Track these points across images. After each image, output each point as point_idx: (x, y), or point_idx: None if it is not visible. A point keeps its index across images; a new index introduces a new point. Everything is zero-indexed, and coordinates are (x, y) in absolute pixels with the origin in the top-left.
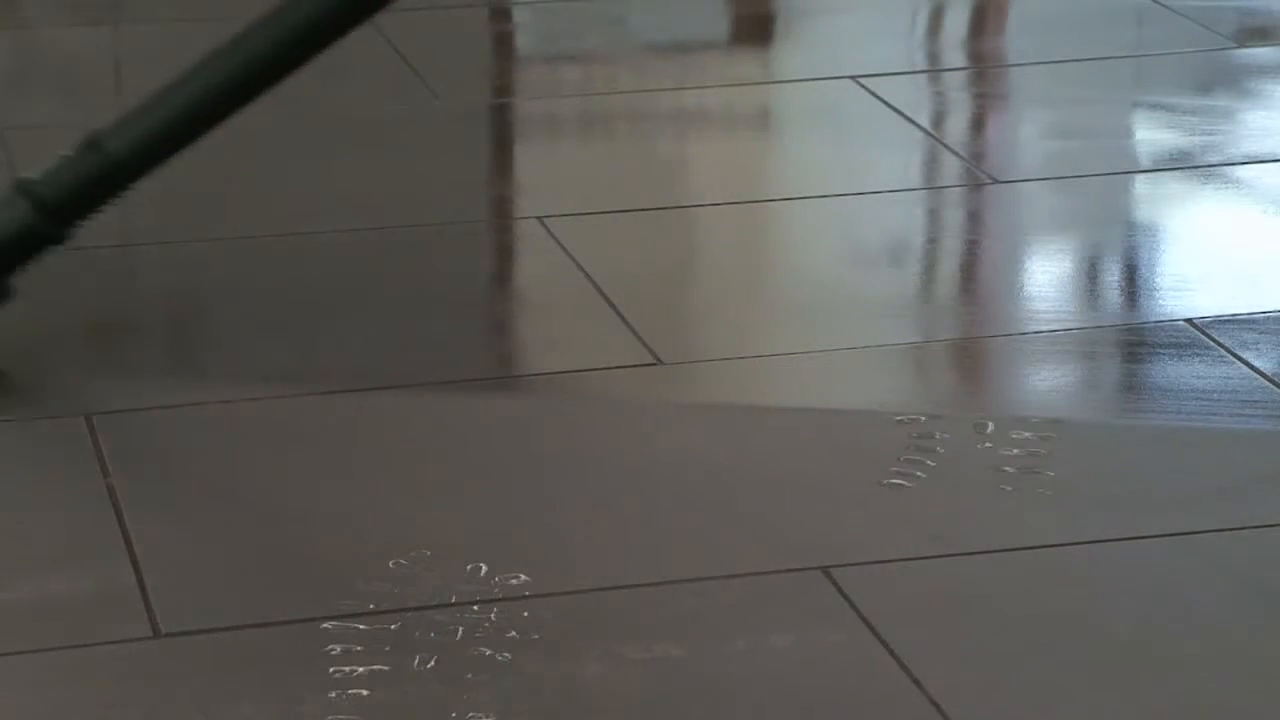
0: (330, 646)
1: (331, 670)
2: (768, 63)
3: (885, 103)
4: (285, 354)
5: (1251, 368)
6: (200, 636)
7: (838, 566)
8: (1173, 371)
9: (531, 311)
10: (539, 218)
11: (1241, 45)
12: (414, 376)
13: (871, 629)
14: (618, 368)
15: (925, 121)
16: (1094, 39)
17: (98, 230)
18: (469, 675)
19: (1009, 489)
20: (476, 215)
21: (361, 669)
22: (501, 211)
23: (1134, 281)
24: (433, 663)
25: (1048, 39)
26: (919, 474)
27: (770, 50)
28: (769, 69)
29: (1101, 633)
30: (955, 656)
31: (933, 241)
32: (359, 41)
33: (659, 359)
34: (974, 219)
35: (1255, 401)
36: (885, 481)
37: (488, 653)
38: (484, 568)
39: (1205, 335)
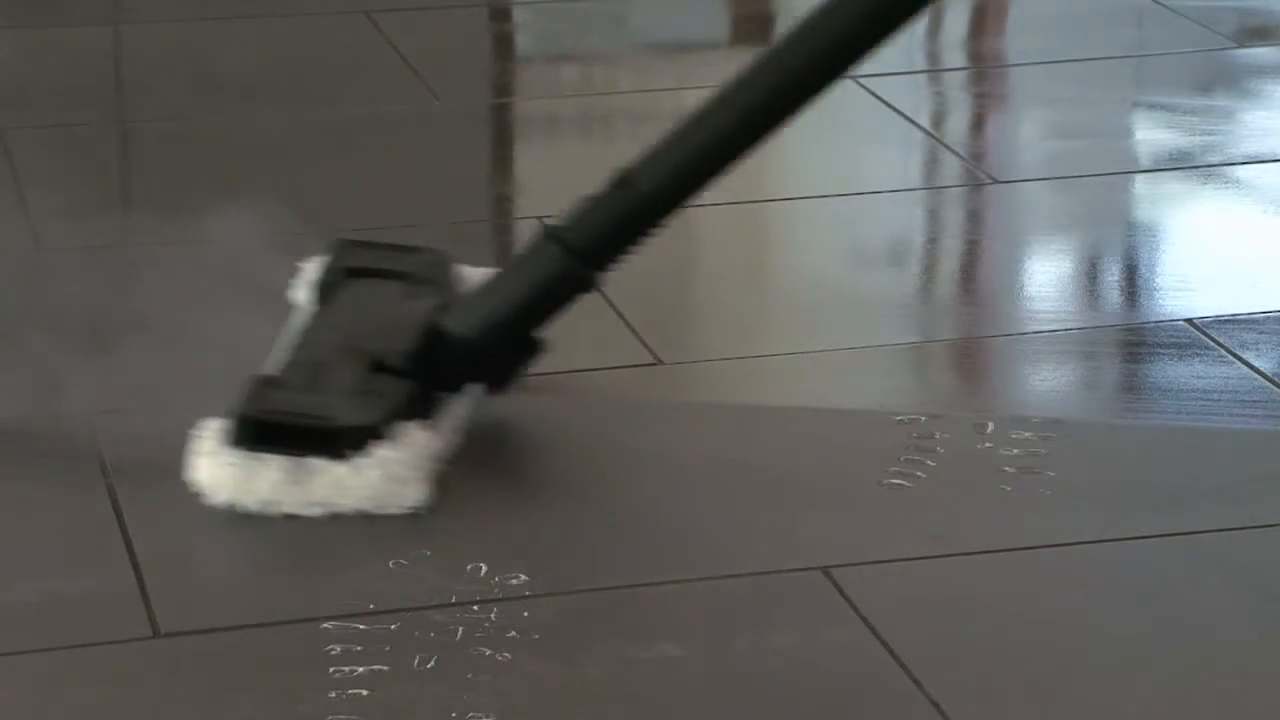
0: (330, 646)
1: (331, 670)
2: None
3: (885, 103)
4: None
5: (1251, 368)
6: (200, 636)
7: (838, 566)
8: (1173, 371)
9: None
10: (539, 218)
11: (1241, 45)
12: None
13: (871, 629)
14: (618, 368)
15: (925, 121)
16: (1094, 39)
17: (98, 230)
18: (469, 675)
19: (1009, 489)
20: (476, 215)
21: (361, 669)
22: (501, 211)
23: (1134, 281)
24: (433, 663)
25: (1048, 39)
26: (919, 474)
27: None
28: None
29: (1101, 633)
30: (955, 656)
31: (933, 241)
32: (359, 41)
33: (659, 359)
34: (974, 219)
35: (1255, 401)
36: (885, 481)
37: (488, 653)
38: (484, 568)
39: (1205, 335)
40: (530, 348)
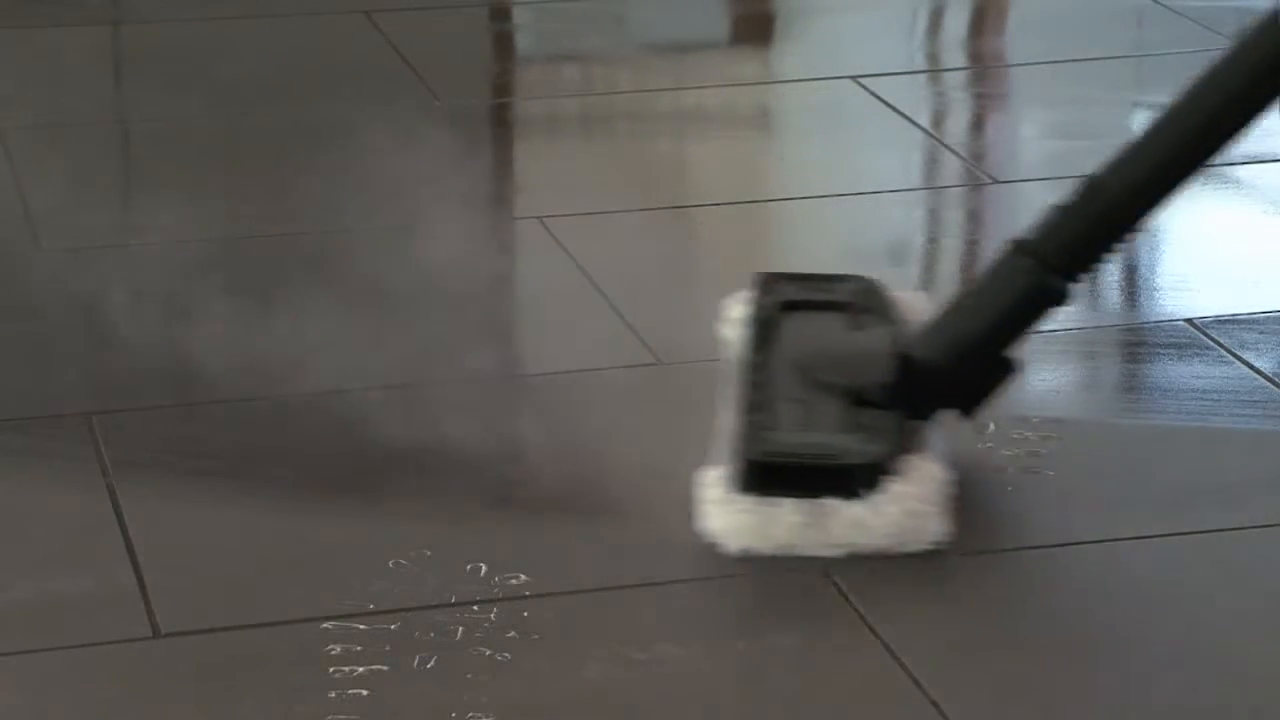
0: (330, 646)
1: (331, 670)
2: (768, 63)
3: (885, 103)
4: (285, 353)
5: (1251, 368)
6: (200, 636)
7: (837, 565)
8: (1173, 371)
9: (531, 311)
10: (539, 218)
11: None
12: (414, 376)
13: (871, 629)
14: (618, 368)
15: (925, 121)
16: (1094, 39)
17: (98, 230)
18: (469, 675)
19: (1009, 489)
20: (476, 215)
21: (361, 669)
22: (501, 211)
23: (1134, 281)
24: (433, 663)
25: (1048, 39)
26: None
27: (770, 50)
28: (769, 69)
29: (1101, 632)
30: (955, 657)
31: (933, 241)
32: (359, 41)
33: (659, 359)
34: (974, 219)
35: (1255, 401)
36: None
37: (488, 653)
38: (484, 568)
39: (1205, 335)
40: (1005, 368)
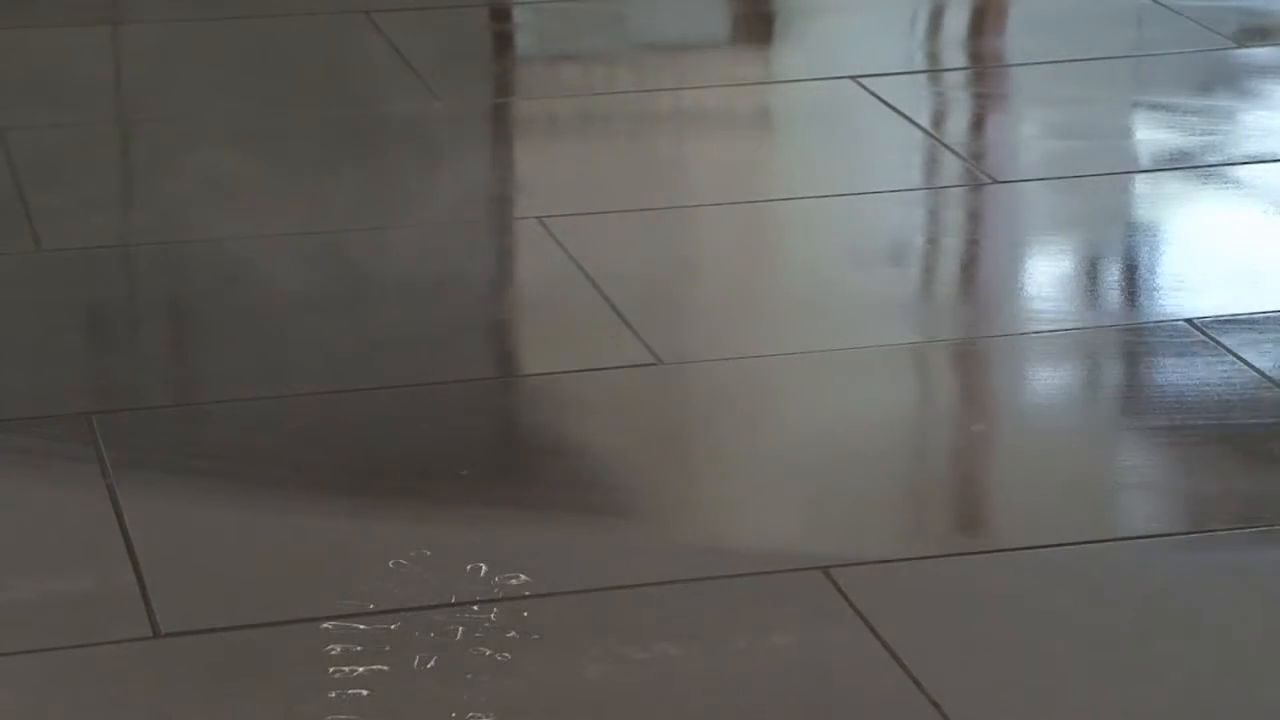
0: (330, 646)
1: (331, 670)
2: (768, 63)
3: (885, 103)
4: (284, 354)
5: (1252, 368)
6: (200, 636)
7: (838, 566)
8: (1173, 371)
9: (531, 311)
10: (539, 218)
11: (1241, 45)
12: (414, 376)
13: (871, 629)
14: (618, 368)
15: (925, 121)
16: (1094, 39)
17: (98, 230)
18: (469, 675)
19: (1009, 489)
20: (476, 215)
21: (361, 669)
22: (501, 211)
23: (1134, 281)
24: (433, 663)
25: (1048, 39)
26: (919, 474)
27: (770, 50)
28: (769, 69)
29: (1101, 633)
30: (955, 656)
31: (933, 241)
32: (359, 41)
33: (659, 359)
34: (974, 219)
35: (1255, 401)
36: (885, 481)
37: (488, 653)
38: (484, 568)
39: (1205, 335)
40: None
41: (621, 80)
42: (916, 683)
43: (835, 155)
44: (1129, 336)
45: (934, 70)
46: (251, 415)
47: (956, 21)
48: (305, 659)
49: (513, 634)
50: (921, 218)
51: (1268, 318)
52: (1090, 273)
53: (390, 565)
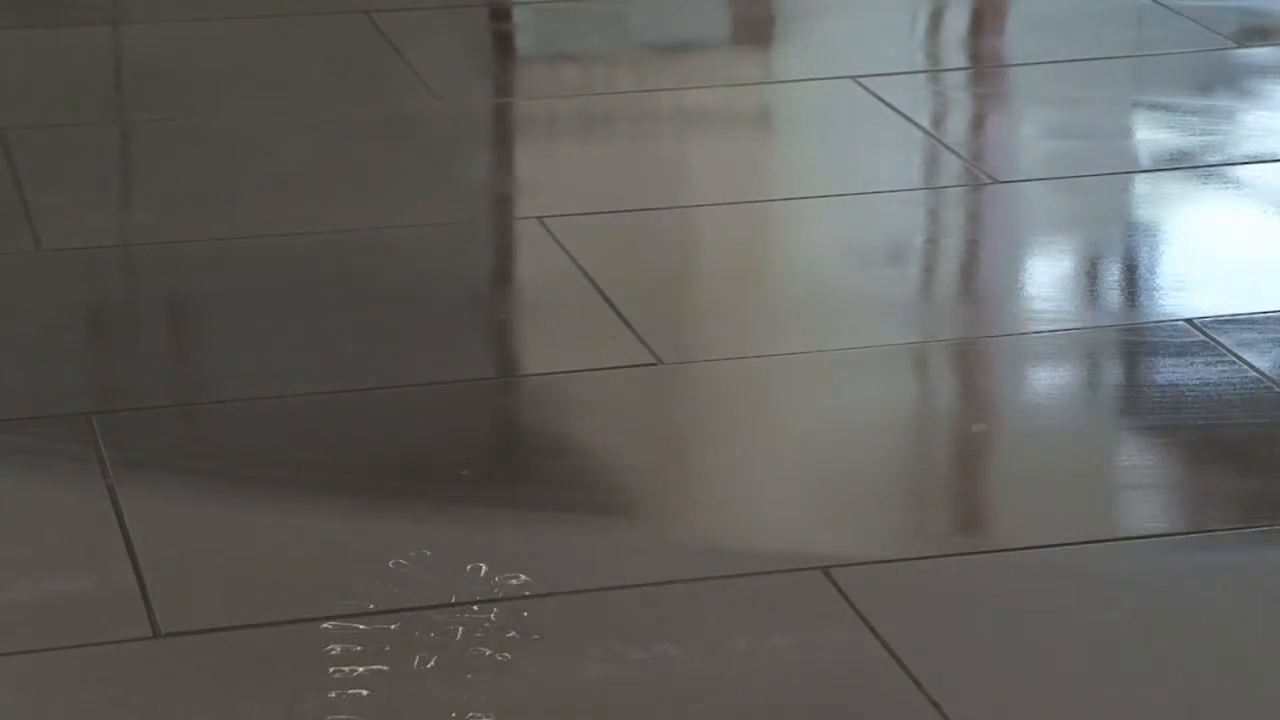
0: (330, 646)
1: (331, 670)
2: (768, 63)
3: (885, 103)
4: (285, 353)
5: (1252, 368)
6: (200, 636)
7: (838, 566)
8: (1173, 371)
9: (531, 311)
10: (539, 218)
11: (1241, 45)
12: (414, 376)
13: (871, 629)
14: (618, 368)
15: (925, 121)
16: (1094, 39)
17: (98, 230)
18: (469, 675)
19: (1009, 489)
20: (476, 215)
21: (361, 669)
22: (501, 211)
23: (1134, 281)
24: (433, 663)
25: (1048, 39)
26: (919, 474)
27: (770, 50)
28: (769, 69)
29: (1101, 633)
30: (955, 656)
31: (933, 241)
32: (359, 42)
33: (659, 359)
34: (974, 219)
35: (1255, 401)
36: (885, 481)
37: (488, 653)
38: (484, 568)
39: (1205, 335)
40: None
41: (621, 80)
42: (916, 683)
43: (835, 155)
44: (1129, 336)
45: (934, 70)
46: (251, 415)
47: (956, 21)
48: (305, 659)
49: (513, 634)
50: (921, 218)
51: (1268, 318)
52: (1090, 273)
53: (390, 565)
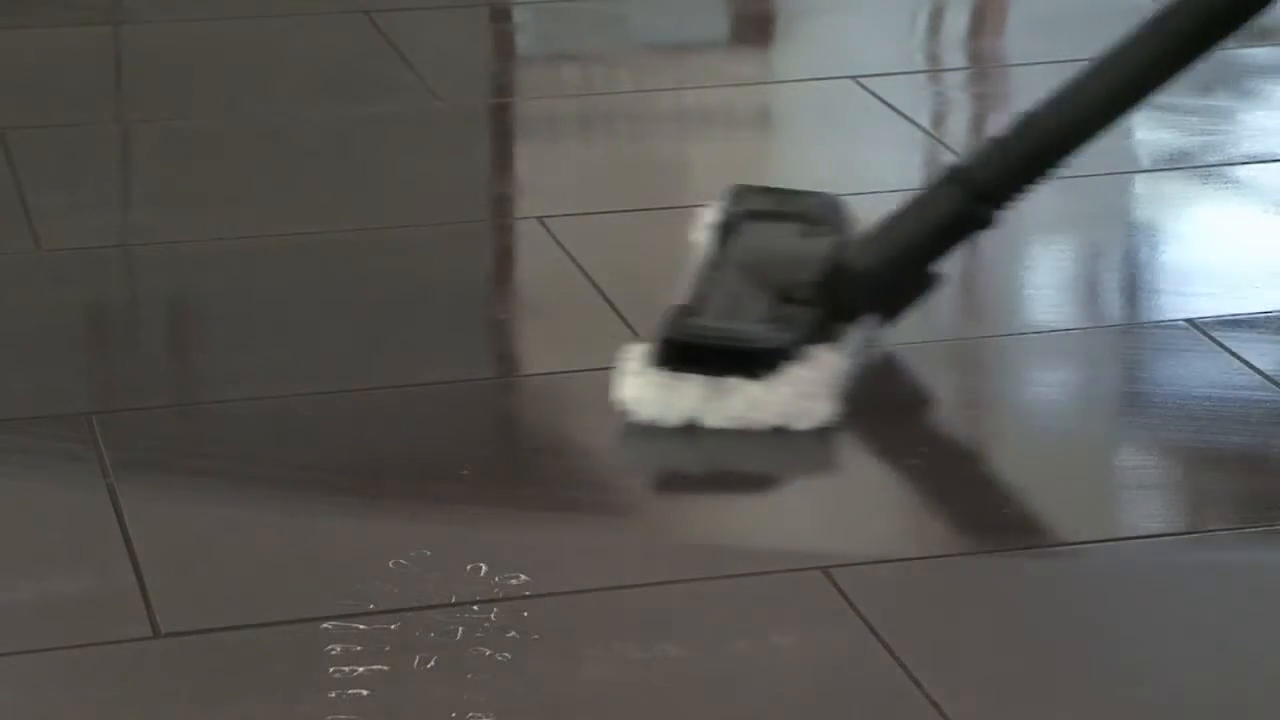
0: (330, 646)
1: (331, 670)
2: (768, 63)
3: (885, 103)
4: (284, 353)
5: (1251, 368)
6: (200, 636)
7: (838, 566)
8: (1173, 371)
9: (531, 311)
10: (539, 218)
11: (1241, 45)
12: (413, 376)
13: (871, 629)
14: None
15: (925, 121)
16: (1094, 39)
17: (98, 230)
18: (469, 675)
19: (1010, 489)
20: (476, 215)
21: (361, 669)
22: (501, 211)
23: (1134, 281)
24: (433, 663)
25: (1048, 39)
26: (919, 474)
27: (770, 50)
28: (769, 69)
29: (1101, 633)
30: (955, 656)
31: None
32: (359, 41)
33: None
34: None
35: (1256, 401)
36: (886, 481)
37: (488, 653)
38: (484, 568)
39: (1205, 335)
40: (926, 282)
41: (621, 80)
42: (916, 683)
43: (835, 155)
44: (1129, 336)
45: (934, 70)
46: (251, 415)
47: (956, 21)
48: (305, 659)
49: (513, 634)
50: None
51: (1268, 318)
52: (1090, 273)
53: (390, 565)
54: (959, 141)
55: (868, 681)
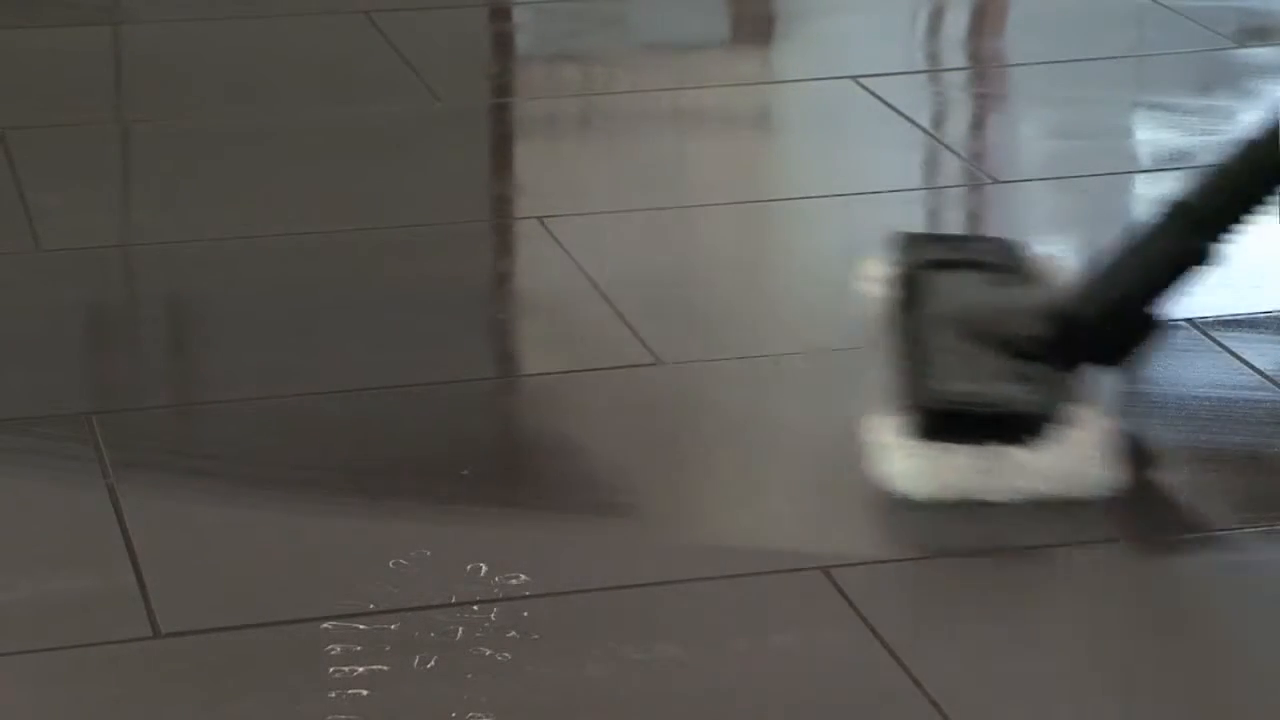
0: (330, 646)
1: (331, 670)
2: (768, 63)
3: (885, 103)
4: (285, 354)
5: (1251, 367)
6: (200, 636)
7: (838, 566)
8: (1173, 372)
9: (531, 311)
10: (539, 218)
11: (1241, 45)
12: (413, 377)
13: (871, 629)
14: (618, 368)
15: (925, 121)
16: (1094, 39)
17: (98, 230)
18: (469, 675)
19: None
20: (476, 215)
21: (361, 669)
22: (501, 211)
23: None
24: (433, 663)
25: (1048, 39)
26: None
27: (770, 50)
28: (769, 69)
29: (1102, 632)
30: (955, 656)
31: None
32: (359, 41)
33: (659, 359)
34: (974, 219)
35: (1256, 401)
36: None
37: (488, 653)
38: (484, 568)
39: (1205, 335)
40: (1152, 325)
41: (621, 80)
42: (916, 683)
43: (835, 155)
44: None
45: (934, 70)
46: (251, 415)
47: (956, 21)
48: (305, 659)
49: (513, 634)
50: (921, 218)
51: (1268, 318)
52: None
53: (390, 565)
54: (959, 141)
55: (868, 681)
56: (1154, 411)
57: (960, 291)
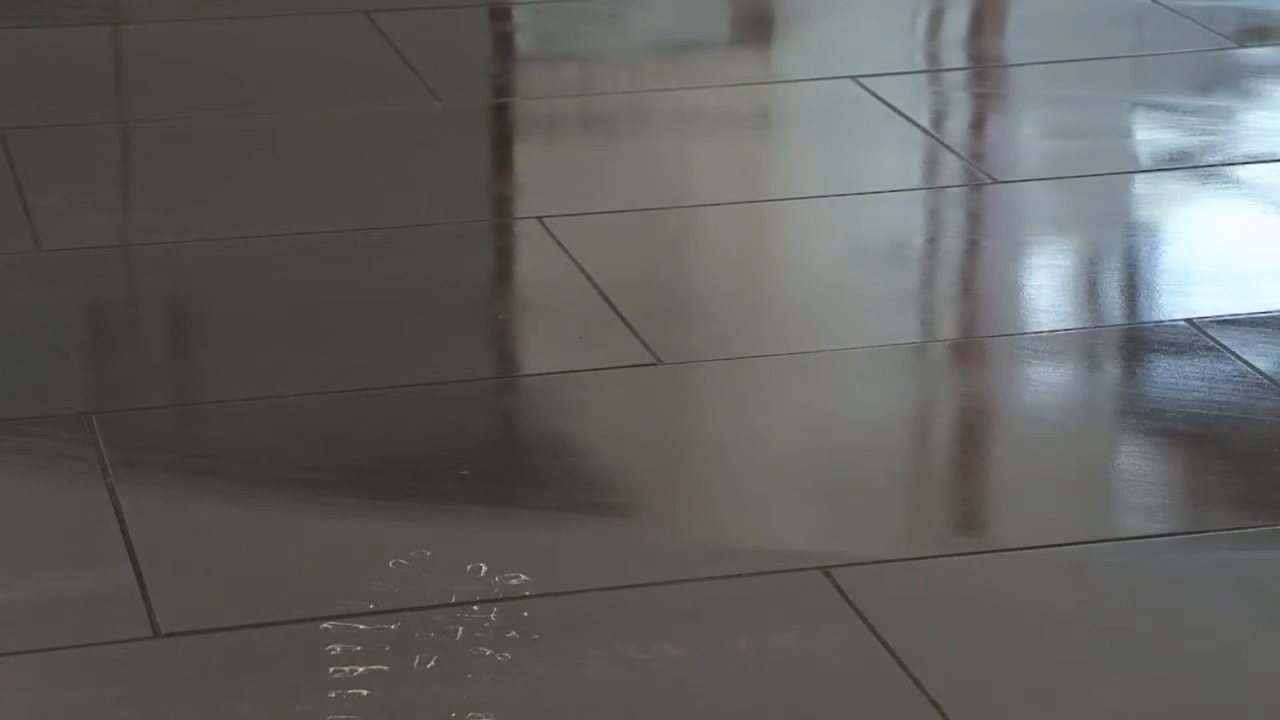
0: (330, 646)
1: (331, 670)
2: (768, 63)
3: (885, 103)
4: (284, 354)
5: (1251, 367)
6: (200, 636)
7: (838, 566)
8: (1173, 371)
9: (531, 311)
10: (539, 218)
11: (1241, 45)
12: (413, 376)
13: (871, 629)
14: (618, 368)
15: (925, 121)
16: (1094, 39)
17: (98, 230)
18: (469, 675)
19: (1009, 489)
20: (476, 215)
21: (361, 669)
22: (501, 211)
23: (1134, 281)
24: (433, 663)
25: (1048, 39)
26: (919, 473)
27: (770, 50)
28: (769, 69)
29: (1101, 633)
30: (955, 656)
31: (933, 241)
32: (359, 41)
33: (659, 359)
34: (974, 219)
35: (1255, 401)
36: (885, 481)
37: (488, 653)
38: (484, 568)
39: (1205, 335)
40: None
41: (621, 80)
42: (917, 683)
43: (835, 155)
44: (1129, 336)
45: (934, 70)
46: (251, 415)
47: (956, 21)
48: (305, 659)
49: (513, 634)
50: (921, 218)
51: (1268, 318)
52: (1090, 273)
53: (390, 565)
54: (959, 141)
55: (868, 681)
56: (1154, 411)
57: None
